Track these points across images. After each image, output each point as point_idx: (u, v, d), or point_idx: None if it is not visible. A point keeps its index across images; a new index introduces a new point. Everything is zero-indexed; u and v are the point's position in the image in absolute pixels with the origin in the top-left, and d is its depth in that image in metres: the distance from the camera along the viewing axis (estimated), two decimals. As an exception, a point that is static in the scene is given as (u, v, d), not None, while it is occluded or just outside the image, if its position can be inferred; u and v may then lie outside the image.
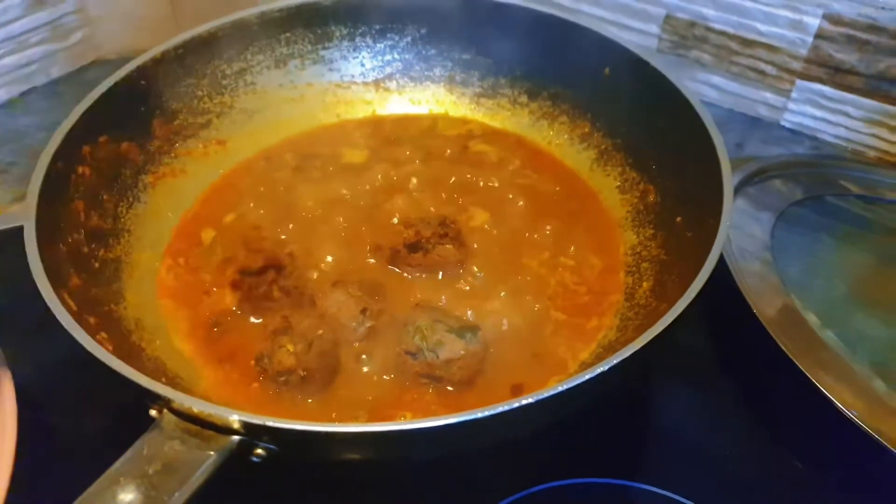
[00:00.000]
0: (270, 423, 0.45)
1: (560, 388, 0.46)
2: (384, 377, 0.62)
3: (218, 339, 0.64)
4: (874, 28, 0.87)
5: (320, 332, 0.60)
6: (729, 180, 0.60)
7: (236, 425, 0.46)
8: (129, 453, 0.45)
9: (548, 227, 0.72)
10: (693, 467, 0.63)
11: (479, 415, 0.45)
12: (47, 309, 0.52)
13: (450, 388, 0.60)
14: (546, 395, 0.45)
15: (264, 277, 0.65)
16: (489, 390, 0.61)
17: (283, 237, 0.72)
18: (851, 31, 0.88)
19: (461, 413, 0.44)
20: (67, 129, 0.65)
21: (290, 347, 0.59)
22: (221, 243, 0.71)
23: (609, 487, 0.61)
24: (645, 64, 0.73)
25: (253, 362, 0.61)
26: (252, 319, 0.65)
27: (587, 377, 0.46)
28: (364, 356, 0.63)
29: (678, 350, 0.69)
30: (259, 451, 0.47)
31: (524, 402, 0.45)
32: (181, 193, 0.76)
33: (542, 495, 0.60)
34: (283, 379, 0.59)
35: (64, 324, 0.51)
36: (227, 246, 0.70)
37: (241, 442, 0.46)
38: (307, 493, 0.59)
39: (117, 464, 0.44)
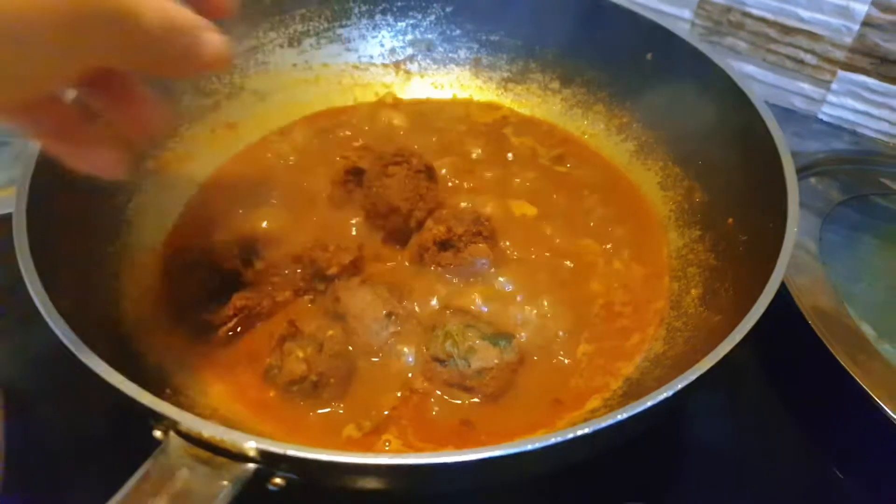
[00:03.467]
0: (291, 453, 0.39)
1: (621, 416, 0.40)
2: (406, 385, 0.56)
3: (225, 342, 0.58)
4: (929, 16, 0.81)
5: (331, 332, 0.55)
6: (793, 181, 0.55)
7: (252, 453, 0.41)
8: (131, 483, 0.39)
9: (590, 223, 0.67)
10: (729, 473, 0.59)
11: (530, 447, 0.39)
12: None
13: (476, 400, 0.55)
14: (605, 424, 0.40)
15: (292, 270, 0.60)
16: (524, 406, 0.56)
17: (296, 230, 0.66)
18: (902, 20, 0.83)
19: (507, 445, 0.38)
20: (63, 108, 0.59)
21: (300, 353, 0.54)
22: (231, 236, 0.65)
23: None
24: (694, 50, 0.67)
25: (263, 374, 0.56)
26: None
27: (649, 404, 0.41)
28: (384, 362, 0.57)
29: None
30: (278, 480, 0.42)
31: (579, 432, 0.40)
32: (186, 180, 0.70)
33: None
34: (295, 388, 0.54)
35: (56, 329, 0.45)
36: (240, 239, 0.63)
37: (257, 470, 0.41)
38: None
39: (117, 497, 0.39)
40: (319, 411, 0.54)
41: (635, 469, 0.58)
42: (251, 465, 0.41)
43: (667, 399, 0.41)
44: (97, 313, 0.54)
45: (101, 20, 0.35)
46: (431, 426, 0.54)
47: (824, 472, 0.60)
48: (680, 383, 0.42)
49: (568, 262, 0.65)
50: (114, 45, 0.37)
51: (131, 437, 0.41)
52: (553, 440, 0.39)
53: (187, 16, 0.39)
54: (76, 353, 0.43)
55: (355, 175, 0.67)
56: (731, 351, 0.44)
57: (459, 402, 0.55)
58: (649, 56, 0.73)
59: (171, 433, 0.42)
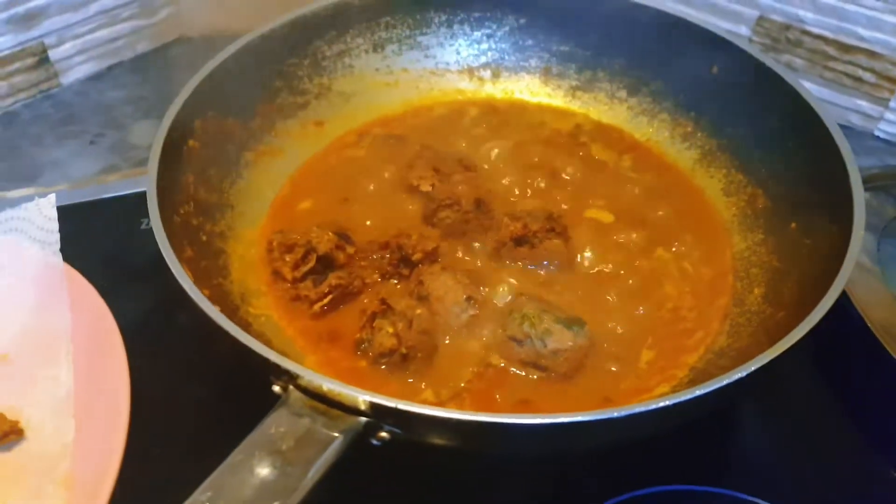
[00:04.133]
0: (402, 407, 0.44)
1: (698, 392, 0.44)
2: (483, 361, 0.61)
3: (319, 316, 0.64)
4: None
5: (419, 311, 0.60)
6: (859, 185, 0.58)
7: (364, 406, 0.46)
8: (260, 428, 0.45)
9: (658, 227, 0.71)
10: (789, 476, 0.62)
11: (615, 414, 0.44)
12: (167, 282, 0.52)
13: (552, 376, 0.59)
14: (685, 398, 0.44)
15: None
16: (592, 387, 0.60)
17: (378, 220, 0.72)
18: (962, 38, 0.86)
19: (605, 410, 0.43)
20: (182, 101, 0.65)
21: (390, 329, 0.59)
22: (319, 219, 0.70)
23: (699, 495, 0.59)
24: (760, 64, 0.71)
25: (353, 347, 0.61)
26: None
27: (726, 382, 0.45)
28: (463, 341, 0.62)
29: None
30: (383, 434, 0.47)
31: (662, 403, 0.44)
32: (279, 172, 0.76)
33: (631, 503, 0.59)
34: (384, 360, 0.59)
35: (190, 294, 0.50)
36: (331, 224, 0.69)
37: (367, 423, 0.46)
38: (410, 479, 0.59)
39: (250, 438, 0.44)
40: (405, 381, 0.59)
41: (692, 459, 0.61)
42: (362, 419, 0.46)
43: (741, 379, 0.45)
44: (212, 285, 0.60)
45: None
46: (497, 402, 0.58)
47: (884, 474, 0.63)
48: (755, 364, 0.46)
49: (637, 263, 0.68)
50: None
51: (241, 395, 0.47)
52: (639, 409, 0.44)
53: None
54: (212, 316, 0.49)
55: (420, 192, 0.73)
56: (802, 339, 0.47)
57: (535, 376, 0.59)
58: (714, 69, 0.76)
59: (291, 388, 0.47)
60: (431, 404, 0.57)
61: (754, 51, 0.73)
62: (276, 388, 0.48)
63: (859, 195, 0.57)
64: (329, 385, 0.45)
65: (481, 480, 0.60)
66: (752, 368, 0.46)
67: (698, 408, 0.47)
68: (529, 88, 0.88)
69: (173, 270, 0.52)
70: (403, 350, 0.58)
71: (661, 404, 0.44)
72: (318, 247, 0.64)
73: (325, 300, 0.63)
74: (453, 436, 0.48)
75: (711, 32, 0.76)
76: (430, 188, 0.71)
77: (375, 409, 0.45)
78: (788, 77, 0.69)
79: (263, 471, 0.42)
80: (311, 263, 0.64)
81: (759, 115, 0.72)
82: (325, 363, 0.61)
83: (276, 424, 0.45)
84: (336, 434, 0.45)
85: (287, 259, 0.64)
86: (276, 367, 0.47)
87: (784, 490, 0.59)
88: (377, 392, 0.45)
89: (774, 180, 0.70)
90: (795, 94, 0.67)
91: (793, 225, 0.66)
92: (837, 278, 0.50)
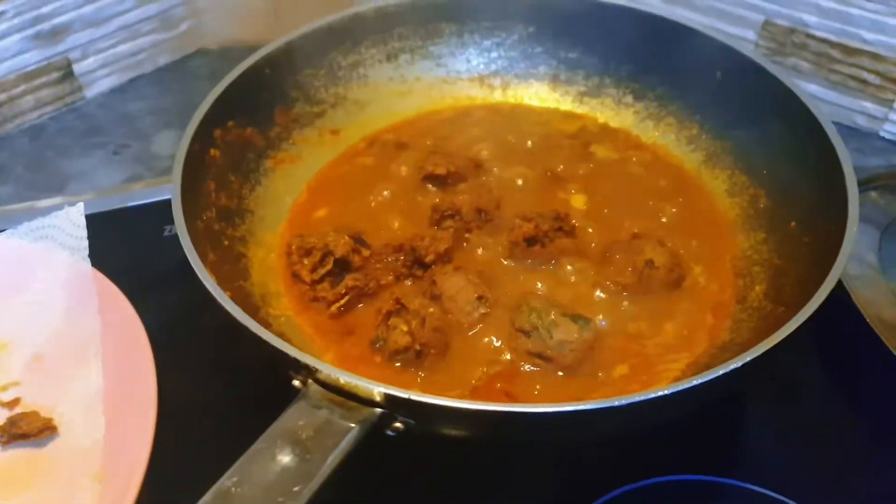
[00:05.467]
0: (415, 398, 0.47)
1: (696, 382, 0.47)
2: (493, 358, 0.63)
3: (336, 316, 0.66)
4: None
5: (431, 309, 0.63)
6: (853, 185, 0.60)
7: (379, 398, 0.48)
8: (281, 419, 0.47)
9: (665, 227, 0.73)
10: (794, 467, 0.64)
11: (617, 403, 0.46)
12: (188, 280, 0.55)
13: (560, 373, 0.61)
14: (682, 387, 0.46)
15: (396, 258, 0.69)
16: (598, 381, 0.62)
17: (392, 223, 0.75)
18: (965, 41, 0.87)
19: (608, 399, 0.45)
20: (203, 113, 0.68)
21: (404, 327, 0.61)
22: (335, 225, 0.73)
23: (708, 485, 0.62)
24: (761, 69, 0.73)
25: (369, 344, 0.64)
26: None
27: (721, 372, 0.47)
28: (475, 338, 0.65)
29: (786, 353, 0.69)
30: (397, 424, 0.49)
31: (660, 393, 0.46)
32: (297, 178, 0.79)
33: (641, 492, 0.61)
34: (399, 357, 0.62)
35: (216, 296, 0.53)
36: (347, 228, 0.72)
37: (382, 415, 0.48)
38: (421, 469, 0.61)
39: (272, 428, 0.47)
40: (417, 378, 0.61)
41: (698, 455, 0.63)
42: (377, 410, 0.48)
43: (735, 369, 0.47)
44: (233, 287, 0.63)
45: None
46: (506, 395, 0.60)
47: (886, 465, 0.64)
48: (750, 355, 0.48)
49: (640, 259, 0.70)
50: None
51: (262, 392, 0.49)
52: (637, 398, 0.46)
53: None
54: (236, 316, 0.52)
55: (433, 180, 0.76)
56: (795, 332, 0.50)
57: (543, 371, 0.61)
58: (718, 74, 0.79)
59: (310, 381, 0.50)
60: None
61: (756, 56, 0.75)
62: (296, 383, 0.51)
63: (853, 195, 0.59)
64: (346, 378, 0.48)
65: (496, 467, 0.62)
66: (748, 359, 0.48)
67: (696, 397, 0.49)
68: (538, 95, 0.90)
69: (199, 274, 0.55)
70: (417, 347, 0.61)
71: (660, 394, 0.46)
72: (335, 250, 0.67)
73: (342, 301, 0.66)
74: (461, 425, 0.51)
75: (715, 39, 0.78)
76: (444, 171, 0.74)
77: (389, 400, 0.48)
78: (787, 80, 0.71)
79: (285, 458, 0.45)
80: (329, 266, 0.67)
81: (761, 118, 0.74)
82: (342, 360, 0.63)
83: (296, 416, 0.48)
84: (353, 424, 0.48)
85: (305, 262, 0.67)
86: (296, 362, 0.49)
87: (790, 481, 0.61)
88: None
89: (775, 181, 0.72)
90: (794, 96, 0.69)
91: (792, 224, 0.68)
92: (829, 275, 0.52)
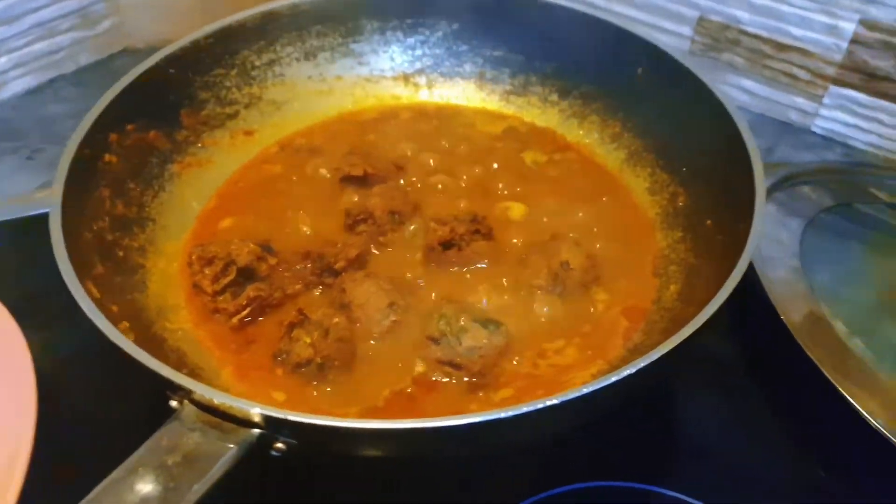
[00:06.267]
0: (292, 418, 0.44)
1: (586, 390, 0.45)
2: (404, 367, 0.61)
3: (238, 328, 0.64)
4: (912, 35, 0.85)
5: (336, 319, 0.60)
6: (762, 185, 0.59)
7: (257, 419, 0.46)
8: (147, 444, 0.45)
9: (584, 226, 0.72)
10: (715, 473, 0.62)
11: (504, 414, 0.44)
12: (71, 296, 0.52)
13: (466, 380, 0.60)
14: (572, 396, 0.44)
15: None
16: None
17: (305, 229, 0.72)
18: (888, 38, 0.87)
19: (487, 412, 0.43)
20: (94, 116, 0.65)
21: (307, 339, 0.59)
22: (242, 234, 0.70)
23: (630, 491, 0.60)
24: (679, 66, 0.72)
25: (271, 357, 0.61)
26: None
27: (613, 380, 0.45)
28: (385, 347, 0.62)
29: (704, 356, 0.68)
30: (279, 444, 0.47)
31: (549, 402, 0.44)
32: (206, 183, 0.76)
33: (562, 498, 0.59)
34: (302, 370, 0.59)
35: (87, 311, 0.50)
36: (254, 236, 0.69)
37: (261, 436, 0.46)
38: (323, 487, 0.59)
39: (136, 454, 0.44)
40: (324, 391, 0.59)
41: (626, 454, 0.62)
42: (256, 431, 0.46)
43: (629, 375, 0.46)
44: (124, 300, 0.60)
45: None
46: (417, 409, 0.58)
47: (809, 471, 0.63)
48: (642, 362, 0.46)
49: (559, 261, 0.68)
50: None
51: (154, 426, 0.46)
52: (524, 409, 0.44)
53: None
54: (105, 332, 0.49)
55: (351, 182, 0.74)
56: (693, 335, 0.48)
57: (454, 381, 0.59)
58: (640, 70, 0.77)
59: (186, 402, 0.47)
60: (350, 413, 0.58)
61: (675, 53, 0.74)
62: (174, 403, 0.48)
63: (761, 194, 0.58)
64: (220, 398, 0.45)
65: (396, 475, 0.60)
66: (641, 365, 0.46)
67: (594, 406, 0.48)
68: (465, 94, 0.88)
69: (70, 287, 0.52)
70: (318, 360, 0.58)
71: (548, 403, 0.44)
72: (238, 259, 0.64)
73: (244, 312, 0.63)
74: (345, 444, 0.48)
75: (635, 35, 0.76)
76: (361, 173, 0.72)
77: (268, 420, 0.45)
78: (705, 78, 0.70)
79: (146, 487, 0.42)
80: (232, 276, 0.64)
81: (680, 116, 0.73)
82: (242, 373, 0.61)
83: (166, 438, 0.45)
84: (230, 446, 0.45)
85: (206, 272, 0.64)
86: (169, 382, 0.47)
87: (711, 487, 0.60)
88: (296, 405, 0.45)
89: (694, 179, 0.71)
90: (710, 92, 0.68)
91: (708, 222, 0.66)
92: (731, 276, 0.51)
